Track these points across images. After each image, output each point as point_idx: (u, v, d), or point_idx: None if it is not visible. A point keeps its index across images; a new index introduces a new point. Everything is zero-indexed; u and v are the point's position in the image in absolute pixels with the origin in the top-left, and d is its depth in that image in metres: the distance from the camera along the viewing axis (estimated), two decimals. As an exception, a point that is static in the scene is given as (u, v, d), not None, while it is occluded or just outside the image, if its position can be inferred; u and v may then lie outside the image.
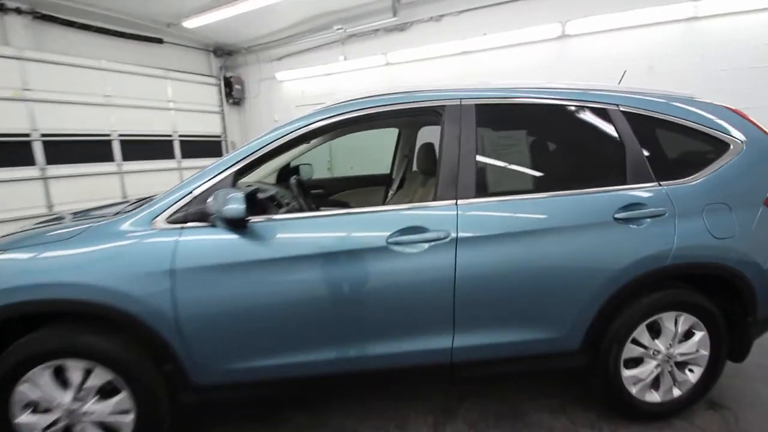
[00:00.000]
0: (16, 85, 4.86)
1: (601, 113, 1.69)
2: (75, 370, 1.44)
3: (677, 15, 4.06)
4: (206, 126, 7.18)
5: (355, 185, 3.20)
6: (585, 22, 4.39)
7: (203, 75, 7.18)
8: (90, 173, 5.60)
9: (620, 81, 2.19)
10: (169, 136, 6.56)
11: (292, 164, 3.05)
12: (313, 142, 2.88)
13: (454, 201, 1.55)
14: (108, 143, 5.81)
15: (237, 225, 1.41)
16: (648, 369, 1.73)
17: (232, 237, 1.44)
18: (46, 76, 5.09)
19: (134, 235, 1.44)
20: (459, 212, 1.53)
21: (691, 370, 1.78)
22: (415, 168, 2.79)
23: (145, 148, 6.20)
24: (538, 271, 1.54)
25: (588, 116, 1.69)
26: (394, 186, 3.08)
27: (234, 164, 1.52)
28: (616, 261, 1.57)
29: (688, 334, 1.74)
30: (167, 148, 6.51)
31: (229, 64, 7.50)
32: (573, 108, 1.68)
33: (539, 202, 1.57)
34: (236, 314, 1.46)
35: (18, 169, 4.92)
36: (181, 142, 6.63)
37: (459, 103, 1.62)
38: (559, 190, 1.59)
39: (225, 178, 1.50)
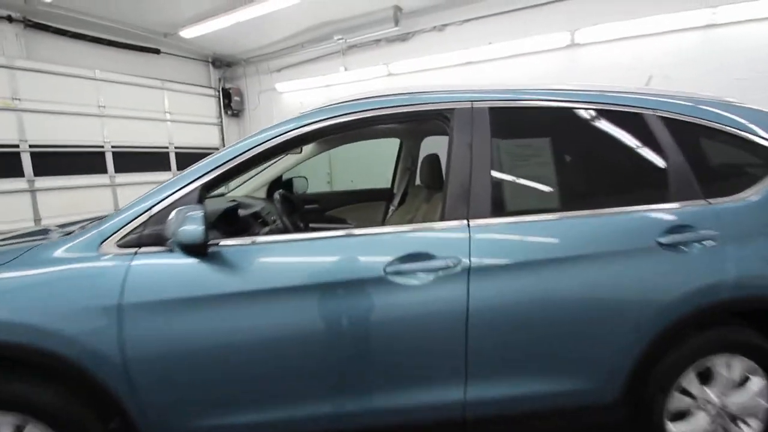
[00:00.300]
0: (6, 94, 4.71)
1: (637, 119, 1.45)
2: (3, 425, 1.18)
3: (694, 22, 3.85)
4: (204, 138, 7.01)
5: (353, 200, 2.96)
6: (595, 31, 4.19)
7: (201, 86, 7.04)
8: (81, 185, 5.40)
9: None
10: (165, 148, 6.39)
11: (285, 177, 2.82)
12: (307, 152, 2.66)
13: (465, 221, 1.29)
14: (101, 155, 5.63)
15: (196, 251, 1.16)
16: (697, 423, 1.44)
17: (194, 265, 1.19)
18: (37, 85, 4.94)
19: (75, 262, 1.19)
20: (471, 235, 1.27)
21: (747, 424, 1.49)
22: (418, 182, 2.55)
23: (140, 160, 6.01)
24: (569, 308, 1.28)
25: (622, 122, 1.44)
26: (395, 201, 2.84)
27: (202, 176, 1.28)
28: (663, 295, 1.30)
29: (743, 381, 1.46)
30: (163, 161, 6.32)
31: (228, 76, 7.37)
32: (604, 113, 1.43)
33: (568, 224, 1.31)
34: (200, 361, 1.20)
35: (4, 181, 4.73)
36: (177, 154, 6.45)
37: (470, 106, 1.38)
38: (591, 209, 1.33)
39: (190, 192, 1.25)
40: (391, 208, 2.83)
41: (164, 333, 1.18)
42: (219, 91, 7.19)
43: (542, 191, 1.38)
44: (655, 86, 1.89)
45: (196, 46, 6.46)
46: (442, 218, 1.31)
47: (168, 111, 6.40)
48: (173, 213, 1.15)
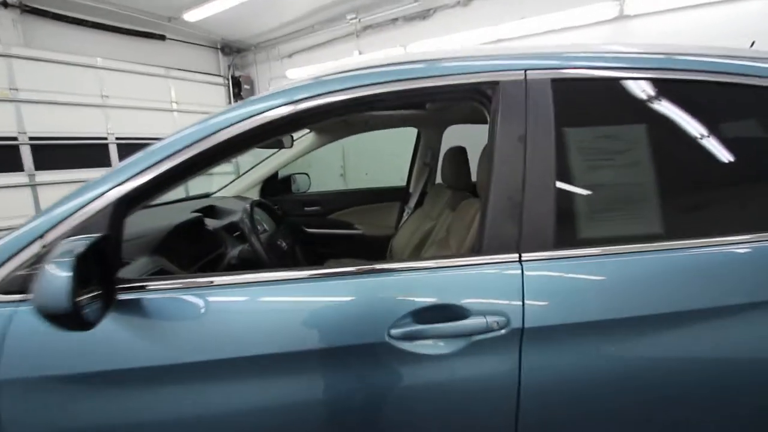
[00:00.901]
0: (3, 84, 4.48)
1: None
2: None
3: (775, -15, 3.20)
4: (212, 129, 6.69)
5: (361, 200, 2.52)
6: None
7: (210, 74, 6.71)
8: (84, 179, 5.14)
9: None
10: (172, 139, 6.11)
11: (282, 174, 2.41)
12: (303, 145, 2.23)
13: (516, 255, 0.83)
14: (104, 147, 5.39)
15: (67, 323, 0.71)
16: None
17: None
18: (35, 74, 4.70)
19: None
20: (525, 277, 0.81)
21: None
22: (439, 180, 2.09)
23: (146, 153, 5.73)
24: (682, 390, 0.81)
25: (761, 102, 0.93)
26: (412, 202, 2.39)
27: (121, 183, 0.85)
28: None
29: None
30: (170, 153, 6.05)
31: (238, 63, 7.00)
32: (730, 89, 0.92)
33: (682, 261, 0.83)
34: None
35: (4, 176, 4.53)
36: (185, 146, 6.16)
37: (523, 77, 0.90)
38: (714, 237, 0.85)
39: (101, 210, 0.83)
40: (407, 210, 2.38)
41: (62, 422, 0.79)
42: (228, 79, 6.85)
43: (637, 208, 0.88)
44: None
45: (203, 31, 6.11)
46: (480, 249, 0.85)
47: (175, 101, 6.10)
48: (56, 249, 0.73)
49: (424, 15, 4.88)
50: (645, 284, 0.81)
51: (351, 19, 5.19)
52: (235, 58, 6.95)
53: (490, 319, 0.79)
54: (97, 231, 0.80)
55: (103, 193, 0.84)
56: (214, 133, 0.88)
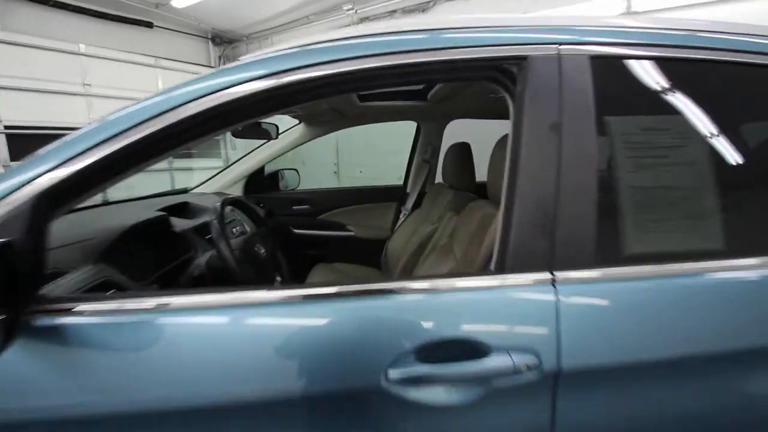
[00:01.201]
0: (-23, 69, 4.23)
1: None
2: None
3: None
4: (202, 122, 6.48)
5: (354, 200, 2.33)
6: (659, -6, 3.44)
7: (200, 65, 6.46)
8: (64, 172, 4.92)
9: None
10: (159, 131, 5.87)
11: (269, 169, 2.22)
12: (293, 138, 2.05)
13: (548, 274, 0.65)
14: (86, 138, 5.14)
15: None
16: None
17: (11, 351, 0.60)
18: (13, 60, 4.45)
19: None
20: (560, 301, 0.64)
21: None
22: (439, 179, 1.92)
23: (131, 145, 5.50)
24: None
25: None
26: (409, 203, 2.21)
27: (39, 174, 0.67)
28: None
29: None
30: (157, 146, 5.81)
31: (229, 54, 6.77)
32: None
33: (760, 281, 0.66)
34: None
35: (-24, 166, 4.29)
36: (172, 139, 5.93)
37: (556, 53, 0.73)
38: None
39: (13, 210, 0.64)
40: (403, 211, 2.20)
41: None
42: (219, 71, 6.63)
43: (704, 216, 0.70)
44: None
45: (192, 19, 5.88)
46: (501, 266, 0.67)
47: (162, 91, 5.88)
48: None
49: (423, 7, 4.70)
50: (719, 311, 0.64)
51: (347, 10, 5.00)
52: (226, 48, 6.72)
53: (517, 358, 0.61)
54: (8, 235, 0.62)
55: (20, 187, 0.65)
56: (170, 109, 0.69)
